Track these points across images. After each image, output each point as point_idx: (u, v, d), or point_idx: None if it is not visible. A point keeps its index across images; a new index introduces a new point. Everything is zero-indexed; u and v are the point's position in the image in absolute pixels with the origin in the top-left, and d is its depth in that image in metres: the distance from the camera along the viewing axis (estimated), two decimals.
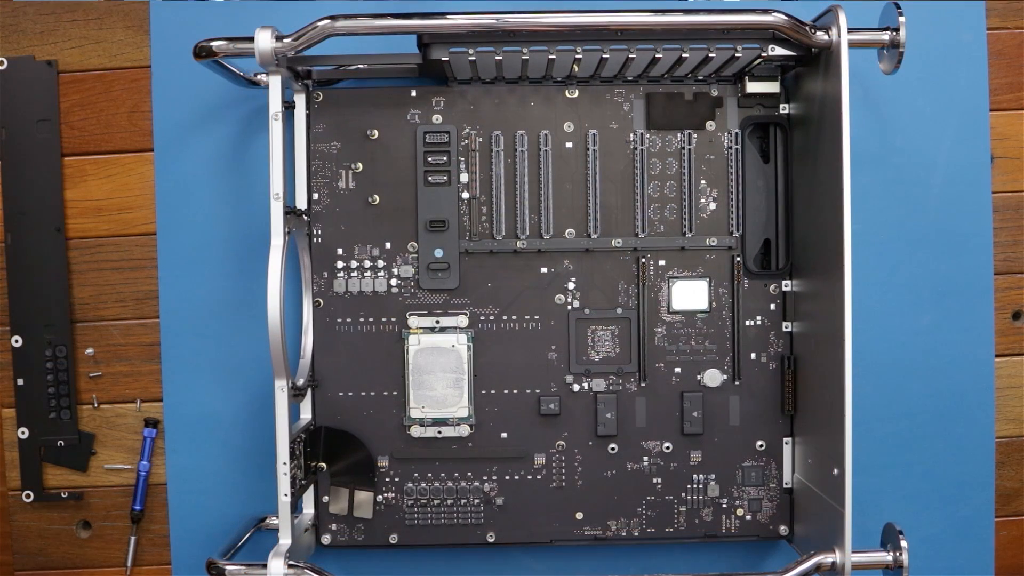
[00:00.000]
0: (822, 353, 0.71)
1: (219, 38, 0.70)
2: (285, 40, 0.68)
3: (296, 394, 0.74)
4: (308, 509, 0.78)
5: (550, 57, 0.69)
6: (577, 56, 0.69)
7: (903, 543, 0.68)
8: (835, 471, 0.67)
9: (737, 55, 0.69)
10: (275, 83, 0.69)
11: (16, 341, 0.83)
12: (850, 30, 0.67)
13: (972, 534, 0.84)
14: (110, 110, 0.84)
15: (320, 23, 0.67)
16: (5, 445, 0.85)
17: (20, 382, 0.83)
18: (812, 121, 0.72)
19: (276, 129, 0.68)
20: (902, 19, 0.68)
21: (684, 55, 0.69)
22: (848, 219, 0.65)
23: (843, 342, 0.65)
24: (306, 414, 0.78)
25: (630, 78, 0.76)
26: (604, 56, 0.69)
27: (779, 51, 0.70)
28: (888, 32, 0.70)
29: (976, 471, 0.84)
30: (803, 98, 0.74)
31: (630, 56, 0.69)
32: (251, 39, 0.68)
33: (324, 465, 0.78)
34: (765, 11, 0.68)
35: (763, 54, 0.70)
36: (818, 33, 0.68)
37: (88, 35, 0.83)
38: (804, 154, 0.74)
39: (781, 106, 0.77)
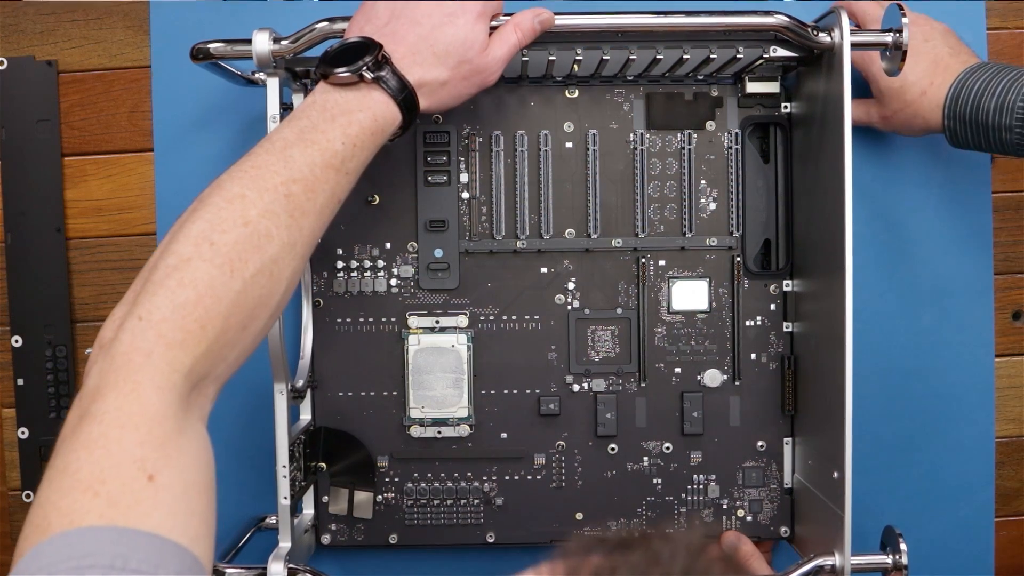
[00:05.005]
0: (823, 353, 0.71)
1: (216, 40, 0.70)
2: (283, 42, 0.67)
3: (295, 396, 0.74)
4: (308, 510, 0.78)
5: (550, 58, 0.69)
6: (578, 57, 0.69)
7: (903, 546, 0.68)
8: (835, 474, 0.67)
9: (738, 56, 0.69)
10: (273, 85, 0.69)
11: (16, 341, 0.83)
12: (853, 31, 0.67)
13: (972, 534, 0.84)
14: (110, 110, 0.84)
15: (318, 25, 0.67)
16: (5, 445, 0.85)
17: (20, 382, 0.83)
18: (814, 121, 0.72)
19: None
20: (905, 20, 0.68)
21: (685, 56, 0.69)
22: (849, 220, 0.64)
23: (844, 343, 0.64)
24: (305, 414, 0.78)
25: (630, 78, 0.76)
26: (604, 58, 0.69)
27: (781, 52, 0.69)
28: (891, 34, 0.69)
29: (976, 471, 0.84)
30: (805, 97, 0.74)
31: (631, 57, 0.69)
32: (248, 41, 0.67)
33: (324, 465, 0.78)
34: (767, 13, 0.68)
35: (764, 55, 0.70)
36: (820, 35, 0.68)
37: (88, 35, 0.83)
38: (805, 154, 0.74)
39: (783, 105, 0.77)
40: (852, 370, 0.64)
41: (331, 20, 0.67)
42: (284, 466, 0.69)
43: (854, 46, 0.67)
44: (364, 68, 0.58)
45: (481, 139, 0.77)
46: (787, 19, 0.67)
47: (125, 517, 0.42)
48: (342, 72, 0.58)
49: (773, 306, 0.78)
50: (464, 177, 0.77)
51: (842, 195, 0.64)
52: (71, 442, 0.44)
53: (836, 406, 0.66)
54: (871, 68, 0.76)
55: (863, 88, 0.79)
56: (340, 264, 0.78)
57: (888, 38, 0.69)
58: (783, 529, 0.79)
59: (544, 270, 0.78)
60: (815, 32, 0.68)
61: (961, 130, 0.73)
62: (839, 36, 0.66)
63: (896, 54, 0.69)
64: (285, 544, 0.69)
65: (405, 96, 0.60)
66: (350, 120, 0.58)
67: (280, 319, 0.67)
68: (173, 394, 0.47)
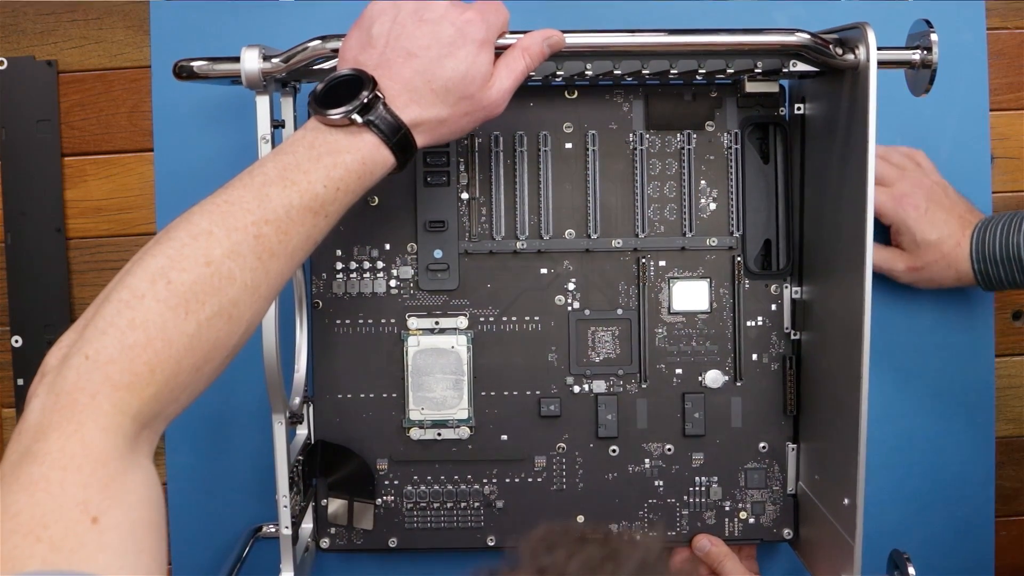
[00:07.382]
0: (831, 358, 0.70)
1: (200, 58, 0.66)
2: (274, 60, 0.64)
3: (293, 422, 0.73)
4: (307, 524, 0.78)
5: (558, 72, 0.69)
6: (587, 72, 0.69)
7: (911, 570, 0.67)
8: (845, 501, 0.65)
9: (756, 70, 0.68)
10: (263, 104, 0.66)
11: (16, 341, 0.83)
12: (879, 49, 0.63)
13: (972, 534, 0.84)
14: (110, 110, 0.84)
15: (311, 43, 0.64)
16: (5, 445, 0.84)
17: (20, 382, 0.83)
18: (833, 132, 0.69)
19: (266, 151, 0.65)
20: (934, 37, 0.64)
21: (701, 70, 0.68)
22: (870, 239, 0.61)
23: (860, 359, 0.62)
24: (302, 428, 0.77)
25: (632, 81, 0.76)
26: (616, 72, 0.68)
27: (801, 67, 0.68)
28: (919, 52, 0.65)
29: (976, 471, 0.84)
30: (820, 100, 0.72)
31: (644, 72, 0.68)
32: (236, 59, 0.64)
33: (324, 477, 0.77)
34: (788, 31, 0.66)
35: (785, 70, 0.68)
36: (845, 55, 0.65)
37: (88, 35, 0.83)
38: (819, 160, 0.73)
39: (795, 106, 0.76)
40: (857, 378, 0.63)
41: (324, 39, 0.64)
42: (284, 495, 0.68)
43: (880, 64, 0.63)
44: (354, 111, 0.56)
45: (480, 139, 0.77)
46: (809, 38, 0.65)
47: (69, 561, 0.41)
48: (332, 115, 0.56)
49: (774, 306, 0.78)
50: (463, 178, 0.77)
51: (864, 215, 0.62)
52: (12, 483, 0.43)
53: (849, 427, 0.64)
54: (907, 220, 0.76)
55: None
56: (339, 265, 0.77)
57: (916, 56, 0.65)
58: (786, 531, 0.78)
59: (544, 271, 0.78)
60: (840, 49, 0.65)
61: (993, 270, 0.74)
62: (864, 54, 0.63)
63: (924, 73, 0.65)
64: (288, 575, 0.69)
65: (399, 138, 0.58)
66: (336, 162, 0.56)
67: (278, 349, 0.66)
68: (119, 435, 0.46)
